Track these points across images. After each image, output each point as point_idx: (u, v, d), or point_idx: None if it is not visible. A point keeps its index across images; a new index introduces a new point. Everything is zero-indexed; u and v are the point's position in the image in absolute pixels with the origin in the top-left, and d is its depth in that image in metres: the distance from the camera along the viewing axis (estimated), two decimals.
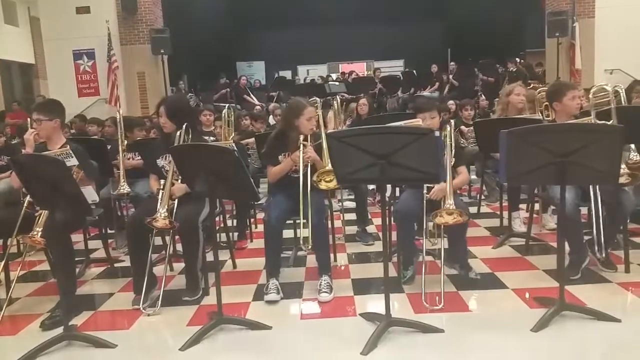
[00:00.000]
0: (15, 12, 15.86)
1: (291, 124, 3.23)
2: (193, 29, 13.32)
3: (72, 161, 2.84)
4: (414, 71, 12.33)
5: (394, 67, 14.87)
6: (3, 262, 3.08)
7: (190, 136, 3.13)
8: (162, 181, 3.11)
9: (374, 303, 2.91)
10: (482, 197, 5.18)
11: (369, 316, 2.71)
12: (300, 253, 3.84)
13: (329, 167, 3.05)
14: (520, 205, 4.28)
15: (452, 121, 3.37)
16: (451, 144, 3.10)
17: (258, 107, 8.97)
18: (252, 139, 5.46)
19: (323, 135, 3.22)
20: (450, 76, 11.05)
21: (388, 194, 3.87)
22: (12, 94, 15.57)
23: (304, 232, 3.08)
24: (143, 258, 3.03)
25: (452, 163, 3.07)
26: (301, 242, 3.11)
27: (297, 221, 3.11)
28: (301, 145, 3.12)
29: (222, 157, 2.59)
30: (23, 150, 3.30)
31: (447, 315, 2.72)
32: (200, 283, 3.07)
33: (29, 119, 3.29)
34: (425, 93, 11.01)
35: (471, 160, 4.91)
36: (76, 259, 3.26)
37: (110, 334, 2.64)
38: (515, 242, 3.89)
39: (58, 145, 3.14)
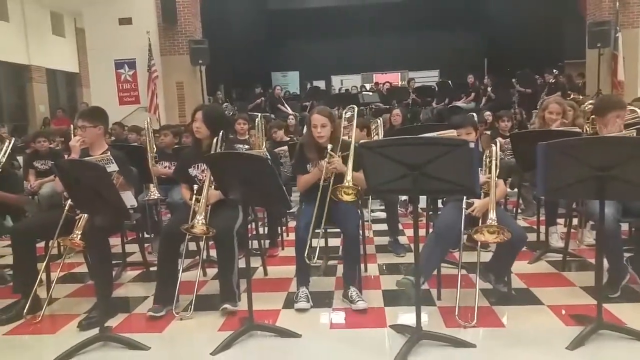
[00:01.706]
0: (63, 23, 16.62)
1: (309, 133, 3.27)
2: (230, 40, 13.60)
3: (113, 167, 2.93)
4: (449, 81, 12.21)
5: (428, 77, 14.76)
6: (44, 263, 3.19)
7: (224, 144, 3.20)
8: (196, 187, 3.18)
9: (405, 315, 2.87)
10: (519, 211, 5.06)
11: (399, 328, 2.68)
12: (330, 262, 3.84)
13: (349, 182, 2.99)
14: (558, 220, 4.16)
15: (498, 140, 3.30)
16: (497, 163, 3.04)
17: (291, 117, 9.07)
18: (285, 147, 5.51)
19: (352, 146, 3.18)
20: (489, 88, 10.86)
21: (422, 205, 3.83)
22: (57, 101, 16.25)
23: (319, 243, 3.07)
24: (170, 268, 3.08)
25: (491, 178, 3.01)
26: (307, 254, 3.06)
27: (329, 230, 3.11)
28: (327, 155, 3.12)
29: (255, 165, 2.63)
30: (66, 156, 3.43)
31: (480, 330, 2.67)
32: (237, 291, 3.09)
33: (71, 126, 3.42)
34: (461, 104, 10.87)
35: (508, 172, 4.82)
36: (113, 262, 3.36)
37: (144, 337, 2.70)
38: (552, 257, 3.78)
39: (100, 151, 3.25)
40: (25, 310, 3.02)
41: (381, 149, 2.45)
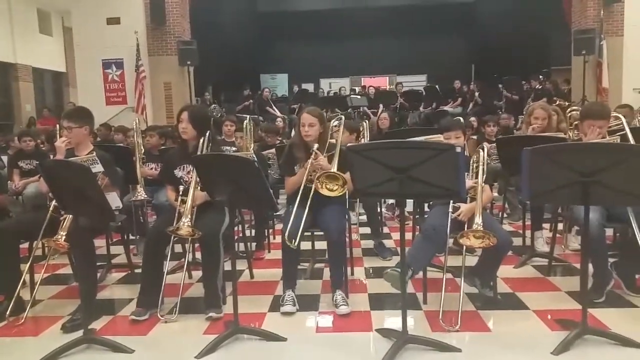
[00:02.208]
0: (50, 22, 16.41)
1: (298, 133, 3.28)
2: (219, 41, 13.56)
3: (98, 168, 2.90)
4: (437, 86, 12.30)
5: (416, 81, 14.85)
6: (28, 264, 3.14)
7: (211, 145, 3.18)
8: (182, 189, 3.16)
9: (391, 319, 2.88)
10: (505, 216, 5.11)
11: (385, 332, 2.69)
12: (317, 265, 3.84)
13: (334, 170, 2.99)
14: (544, 225, 4.21)
15: (485, 145, 3.33)
16: (484, 168, 3.07)
17: (279, 119, 9.06)
18: (273, 150, 5.50)
19: (338, 146, 3.17)
20: (477, 93, 10.96)
21: (410, 208, 3.85)
22: (44, 101, 16.05)
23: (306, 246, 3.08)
24: (155, 270, 3.05)
25: (478, 182, 3.04)
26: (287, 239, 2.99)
27: (315, 233, 3.09)
28: (313, 154, 3.12)
29: (242, 167, 2.62)
30: (52, 156, 3.39)
31: (465, 334, 2.68)
32: (222, 295, 3.07)
33: (57, 125, 3.38)
34: (448, 108, 10.95)
35: (494, 177, 4.86)
36: (98, 263, 3.32)
37: (128, 339, 2.67)
38: (538, 262, 3.82)
39: (85, 151, 3.22)
40: (8, 312, 2.98)
41: (368, 152, 2.46)
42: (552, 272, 3.62)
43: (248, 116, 4.97)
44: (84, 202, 2.55)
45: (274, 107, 11.70)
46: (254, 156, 4.06)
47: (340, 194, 3.01)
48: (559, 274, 3.61)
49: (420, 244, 2.98)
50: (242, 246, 3.93)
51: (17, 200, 5.05)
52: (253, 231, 4.43)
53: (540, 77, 11.06)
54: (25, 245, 3.27)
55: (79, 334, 2.63)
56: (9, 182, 5.04)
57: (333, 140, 3.32)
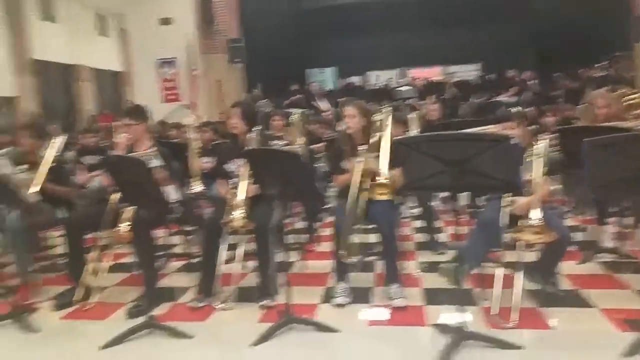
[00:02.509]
0: (107, 24, 17.14)
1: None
2: (267, 38, 13.71)
3: (155, 162, 3.02)
4: (491, 75, 11.92)
5: (469, 71, 14.45)
6: (94, 253, 3.32)
7: (260, 140, 3.25)
8: (233, 182, 3.23)
9: (445, 314, 2.83)
10: (568, 210, 4.88)
11: (441, 328, 2.64)
12: (369, 258, 3.83)
13: (383, 179, 2.91)
14: (610, 219, 4.00)
15: (543, 136, 3.20)
16: (544, 160, 2.96)
17: (327, 113, 9.08)
18: (322, 144, 5.52)
19: (383, 143, 3.09)
20: (533, 82, 10.54)
21: (465, 202, 3.76)
22: (103, 100, 16.82)
23: (355, 239, 3.06)
24: (211, 260, 3.14)
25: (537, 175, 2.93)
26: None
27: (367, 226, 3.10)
28: (359, 155, 3.12)
29: (289, 160, 2.66)
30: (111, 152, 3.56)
31: (525, 331, 2.59)
32: (274, 285, 3.13)
33: (113, 123, 3.55)
34: (502, 98, 10.59)
35: (554, 169, 4.66)
36: (158, 253, 3.45)
37: (187, 325, 2.78)
38: (604, 258, 3.62)
39: (144, 147, 3.35)
40: (78, 297, 3.17)
41: (418, 145, 2.41)
42: (621, 269, 3.42)
43: (294, 110, 5.00)
44: (143, 195, 2.67)
45: (322, 101, 11.74)
46: (301, 150, 4.10)
47: (391, 195, 2.99)
48: (628, 271, 3.40)
49: (476, 238, 2.91)
50: (293, 238, 3.97)
51: (81, 193, 5.33)
52: (304, 223, 4.46)
53: (602, 64, 10.48)
54: (92, 235, 3.45)
55: (142, 319, 2.75)
56: (74, 176, 5.33)
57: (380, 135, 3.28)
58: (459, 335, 2.41)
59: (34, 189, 3.19)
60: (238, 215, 2.97)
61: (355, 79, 15.10)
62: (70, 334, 2.88)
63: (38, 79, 14.36)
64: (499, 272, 2.91)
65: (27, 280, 3.36)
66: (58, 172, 3.59)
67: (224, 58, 11.13)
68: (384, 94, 11.90)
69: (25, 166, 3.59)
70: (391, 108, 3.50)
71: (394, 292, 3.02)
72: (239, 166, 3.32)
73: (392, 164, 2.94)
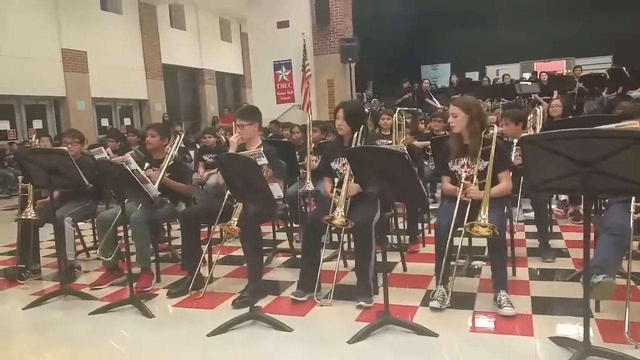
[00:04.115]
0: (230, 29, 18.39)
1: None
2: (380, 36, 13.67)
3: (263, 160, 3.18)
4: (624, 68, 10.70)
5: (599, 64, 13.11)
6: (207, 245, 3.59)
7: (365, 139, 3.26)
8: (337, 180, 3.29)
9: (560, 326, 2.64)
10: None
11: (560, 340, 2.44)
12: (474, 262, 3.67)
13: (484, 221, 2.80)
14: None
15: None
16: None
17: (440, 111, 8.82)
18: (428, 142, 5.40)
19: (491, 160, 3.00)
20: None
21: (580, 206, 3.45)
22: (225, 101, 18.09)
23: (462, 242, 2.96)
24: (312, 256, 3.23)
25: None
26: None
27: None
28: (461, 185, 3.05)
29: (392, 160, 2.63)
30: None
31: None
32: (373, 284, 3.14)
33: (233, 123, 3.79)
34: (637, 93, 9.45)
35: None
36: (265, 248, 3.63)
37: (288, 318, 2.89)
38: None
39: (255, 146, 3.54)
40: (190, 287, 3.45)
41: (547, 142, 2.18)
42: None
43: (398, 109, 4.94)
44: (252, 191, 2.83)
45: (434, 99, 11.44)
46: (404, 149, 4.04)
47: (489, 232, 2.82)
48: None
49: (608, 245, 2.65)
50: (395, 239, 3.94)
51: (201, 189, 5.80)
52: (407, 223, 4.40)
53: None
54: (206, 228, 3.73)
55: (247, 310, 2.92)
56: (195, 173, 5.81)
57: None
58: (582, 350, 2.21)
59: (156, 184, 3.53)
60: (339, 213, 3.03)
61: (472, 75, 14.48)
62: (181, 320, 3.13)
63: (167, 82, 15.85)
64: (627, 284, 2.63)
65: (146, 269, 3.70)
66: (178, 169, 3.95)
67: (337, 58, 11.33)
68: (503, 90, 11.28)
69: (149, 164, 3.99)
70: (499, 108, 3.33)
71: (501, 299, 2.87)
72: (343, 165, 3.39)
73: (498, 167, 2.94)
